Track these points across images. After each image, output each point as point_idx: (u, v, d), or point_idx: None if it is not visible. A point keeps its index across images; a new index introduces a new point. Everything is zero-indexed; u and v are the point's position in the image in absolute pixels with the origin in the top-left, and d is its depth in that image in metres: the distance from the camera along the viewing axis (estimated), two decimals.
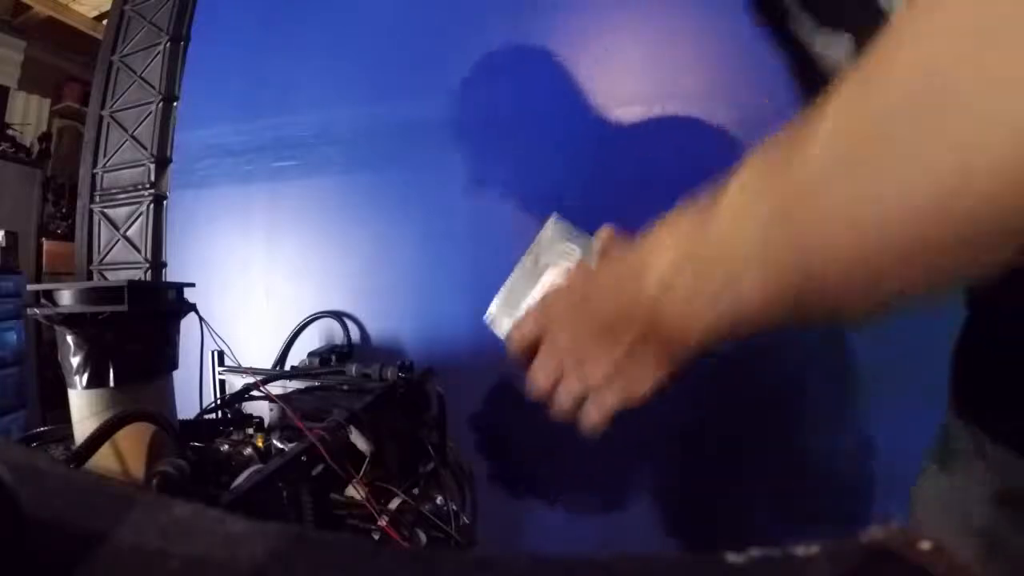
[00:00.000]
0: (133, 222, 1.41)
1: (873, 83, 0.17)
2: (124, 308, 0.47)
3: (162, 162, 1.39)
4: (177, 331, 0.55)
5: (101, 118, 1.47)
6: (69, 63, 3.14)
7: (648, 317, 0.25)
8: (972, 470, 0.34)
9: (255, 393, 0.68)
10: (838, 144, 0.18)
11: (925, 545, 0.09)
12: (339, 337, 1.10)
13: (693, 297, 0.23)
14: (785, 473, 0.88)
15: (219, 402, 0.71)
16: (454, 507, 0.55)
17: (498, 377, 0.98)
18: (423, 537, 0.52)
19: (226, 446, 0.54)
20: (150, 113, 1.41)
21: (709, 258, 0.22)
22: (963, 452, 0.35)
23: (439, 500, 0.56)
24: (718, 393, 0.88)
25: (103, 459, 0.45)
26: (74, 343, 0.47)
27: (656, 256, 0.25)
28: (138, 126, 1.42)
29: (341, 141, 1.15)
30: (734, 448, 0.90)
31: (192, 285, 0.59)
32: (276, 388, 0.73)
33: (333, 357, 0.87)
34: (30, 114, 2.96)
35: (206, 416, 0.67)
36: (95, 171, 1.47)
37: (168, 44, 1.41)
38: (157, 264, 1.38)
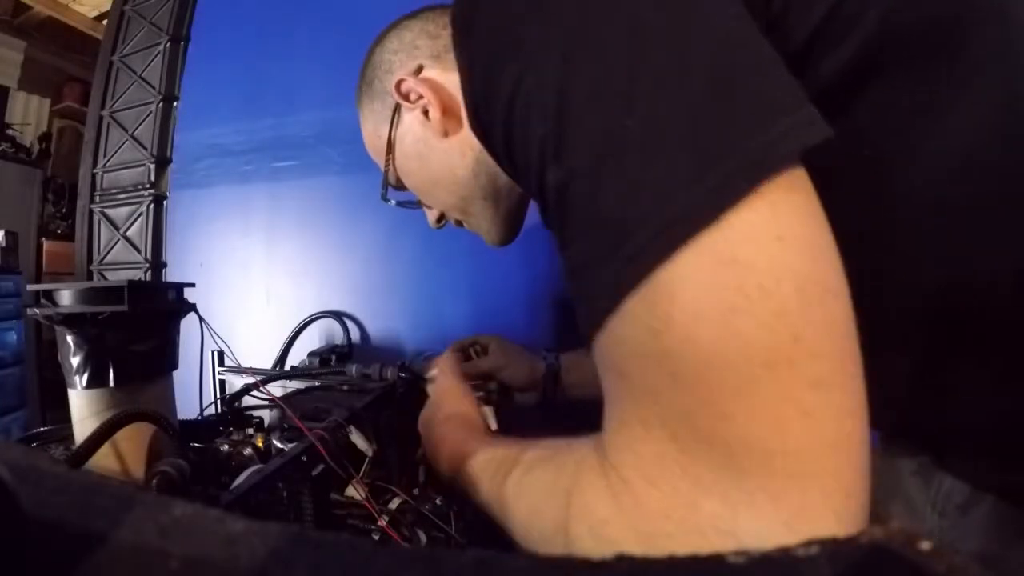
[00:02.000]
0: (133, 222, 1.41)
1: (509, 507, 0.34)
2: (124, 308, 0.47)
3: (162, 162, 1.39)
4: (177, 331, 0.55)
5: (101, 118, 1.47)
6: (69, 63, 3.14)
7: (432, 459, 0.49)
8: (899, 448, 0.46)
9: (255, 393, 0.68)
10: (496, 501, 0.35)
11: (925, 545, 0.09)
12: (339, 337, 1.10)
13: (445, 469, 0.45)
14: None
15: (219, 402, 0.71)
16: (454, 507, 0.55)
17: None
18: (423, 537, 0.52)
19: (226, 446, 0.54)
20: (150, 113, 1.41)
21: (452, 467, 0.43)
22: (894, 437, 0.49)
23: (439, 500, 0.56)
24: None
25: (103, 459, 0.45)
26: (74, 343, 0.47)
27: (448, 448, 0.45)
28: (138, 126, 1.42)
29: (341, 141, 1.15)
30: None
31: (192, 285, 0.59)
32: (276, 388, 0.73)
33: (333, 357, 0.87)
34: (30, 114, 2.96)
35: (206, 416, 0.67)
36: (95, 171, 1.47)
37: (168, 44, 1.41)
38: (157, 264, 1.38)
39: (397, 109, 0.50)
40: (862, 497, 0.20)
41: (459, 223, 0.57)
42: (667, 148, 0.22)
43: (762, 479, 0.20)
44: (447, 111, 0.47)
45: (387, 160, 0.53)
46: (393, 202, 0.58)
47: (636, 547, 0.22)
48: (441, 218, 0.58)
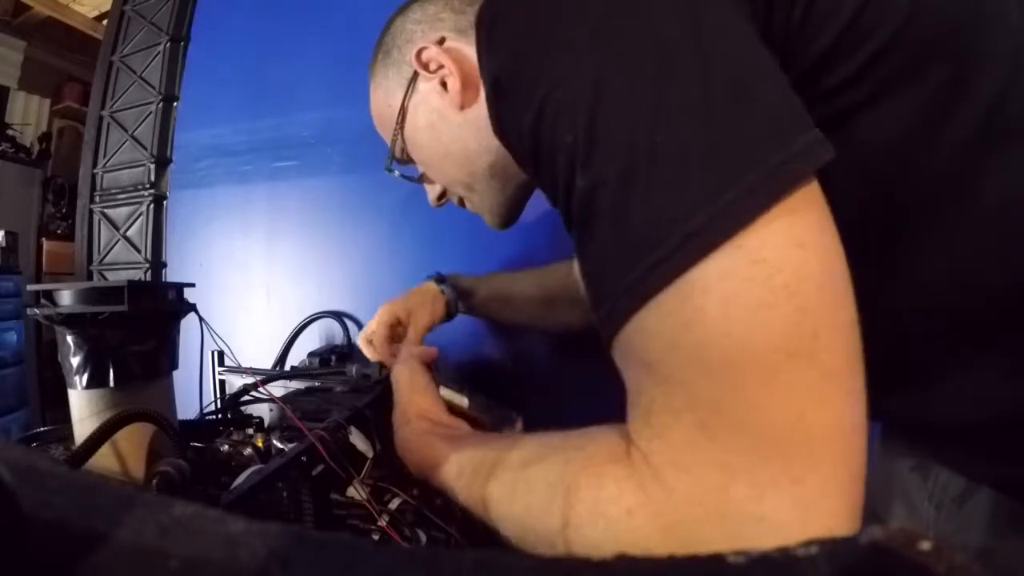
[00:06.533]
0: (133, 222, 1.41)
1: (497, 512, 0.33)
2: (124, 308, 0.47)
3: (162, 162, 1.39)
4: (177, 331, 0.55)
5: (101, 118, 1.47)
6: (69, 63, 3.14)
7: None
8: (898, 446, 0.48)
9: (255, 393, 0.68)
10: (478, 504, 0.35)
11: (925, 545, 0.09)
12: (339, 337, 1.10)
13: (416, 474, 0.47)
14: None
15: (219, 402, 0.71)
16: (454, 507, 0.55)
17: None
18: (423, 537, 0.52)
19: (226, 446, 0.54)
20: (150, 113, 1.41)
21: (421, 473, 0.46)
22: (893, 435, 0.50)
23: (439, 500, 0.56)
24: None
25: (103, 459, 0.45)
26: (74, 343, 0.47)
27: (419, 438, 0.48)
28: (138, 126, 1.42)
29: (341, 141, 1.15)
30: None
31: (192, 285, 0.59)
32: (276, 388, 0.73)
33: (333, 357, 0.87)
34: (30, 114, 2.96)
35: (206, 416, 0.67)
36: (95, 171, 1.47)
37: (168, 44, 1.41)
38: (157, 264, 1.38)
39: (414, 79, 0.50)
40: (861, 483, 0.22)
41: (461, 202, 0.56)
42: (697, 162, 0.23)
43: (785, 463, 0.21)
44: (467, 84, 0.47)
45: (396, 130, 0.52)
46: (397, 173, 0.57)
47: (657, 537, 0.22)
48: (442, 195, 0.57)
